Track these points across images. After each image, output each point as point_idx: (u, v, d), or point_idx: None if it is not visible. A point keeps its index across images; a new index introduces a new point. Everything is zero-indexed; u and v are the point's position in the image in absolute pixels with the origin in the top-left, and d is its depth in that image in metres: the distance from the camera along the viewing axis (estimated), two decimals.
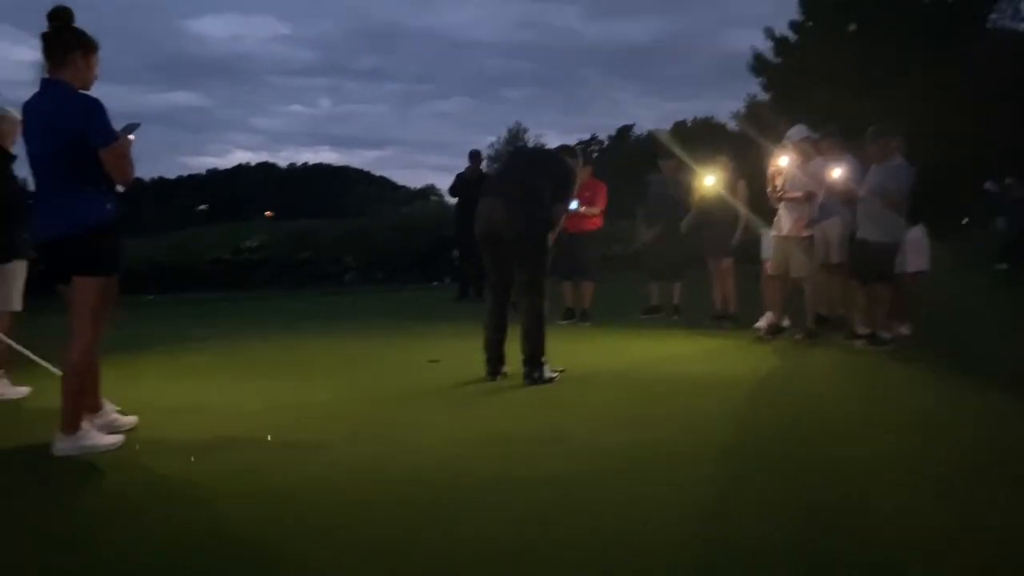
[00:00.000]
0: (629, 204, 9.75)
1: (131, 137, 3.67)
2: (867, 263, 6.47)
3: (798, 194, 6.95)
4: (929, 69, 23.52)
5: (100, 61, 3.71)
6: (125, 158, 3.57)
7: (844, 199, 6.95)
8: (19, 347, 4.87)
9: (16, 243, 4.81)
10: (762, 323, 7.69)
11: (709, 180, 8.37)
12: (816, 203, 7.01)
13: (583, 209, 8.43)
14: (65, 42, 3.59)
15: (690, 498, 2.96)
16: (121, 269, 3.76)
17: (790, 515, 2.78)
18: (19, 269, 4.95)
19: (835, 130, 7.44)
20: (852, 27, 28.15)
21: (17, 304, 4.93)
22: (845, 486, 3.09)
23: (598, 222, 8.74)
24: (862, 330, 6.64)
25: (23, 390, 4.94)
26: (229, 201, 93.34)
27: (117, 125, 3.60)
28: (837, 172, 6.74)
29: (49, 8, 3.59)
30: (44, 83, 3.60)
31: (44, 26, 3.59)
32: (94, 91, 3.69)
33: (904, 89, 22.41)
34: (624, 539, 2.58)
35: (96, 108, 3.53)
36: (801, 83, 26.45)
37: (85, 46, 3.63)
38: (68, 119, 3.52)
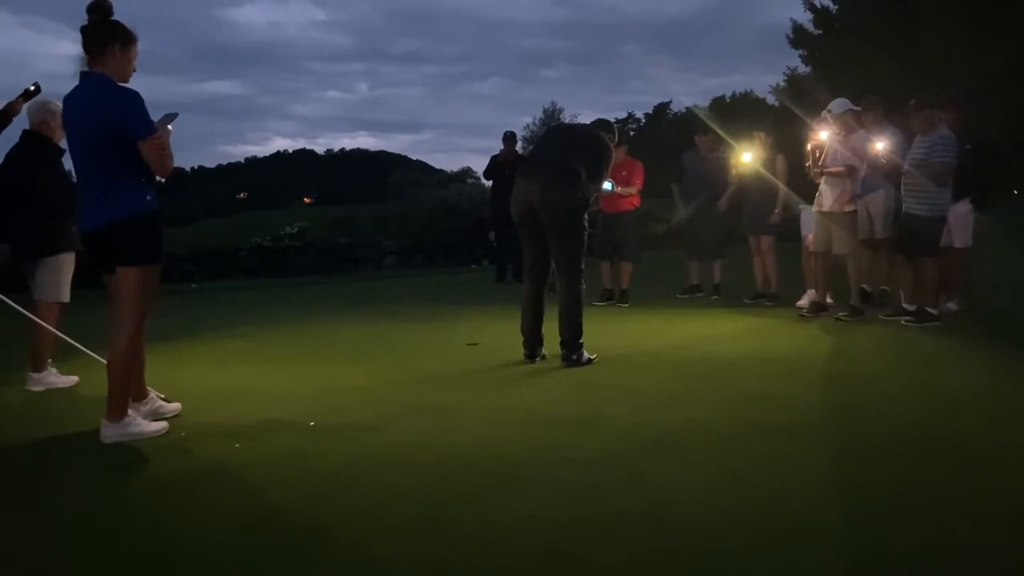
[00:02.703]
0: (666, 183, 9.62)
1: (169, 128, 3.69)
2: (912, 238, 6.32)
3: (840, 168, 6.81)
4: (980, 39, 22.82)
5: (139, 53, 3.74)
6: (164, 149, 3.59)
7: (887, 173, 6.80)
8: (67, 337, 4.97)
9: (65, 235, 4.89)
10: (804, 301, 7.59)
11: (746, 157, 8.25)
12: (859, 178, 6.86)
13: (619, 189, 8.36)
14: (103, 35, 3.62)
15: (738, 479, 2.93)
16: (162, 259, 3.80)
17: (841, 498, 2.74)
18: (68, 261, 5.04)
19: (878, 102, 7.26)
20: None
21: (65, 296, 5.04)
22: (897, 468, 3.03)
23: (635, 201, 8.67)
24: (909, 306, 6.50)
25: (72, 379, 5.05)
26: (268, 188, 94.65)
27: (156, 115, 3.63)
28: (880, 145, 6.59)
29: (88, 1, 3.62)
30: (83, 76, 3.65)
31: (84, 20, 3.63)
32: (134, 82, 3.73)
33: (951, 60, 21.82)
34: (673, 520, 2.57)
35: (134, 100, 3.56)
36: (842, 55, 25.89)
37: (123, 39, 3.65)
38: (106, 111, 3.55)
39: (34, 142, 4.97)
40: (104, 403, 3.70)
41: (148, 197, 3.67)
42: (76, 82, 3.68)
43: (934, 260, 6.30)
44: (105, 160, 3.59)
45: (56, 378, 5.03)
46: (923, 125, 6.32)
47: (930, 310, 6.32)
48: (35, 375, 4.98)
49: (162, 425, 3.83)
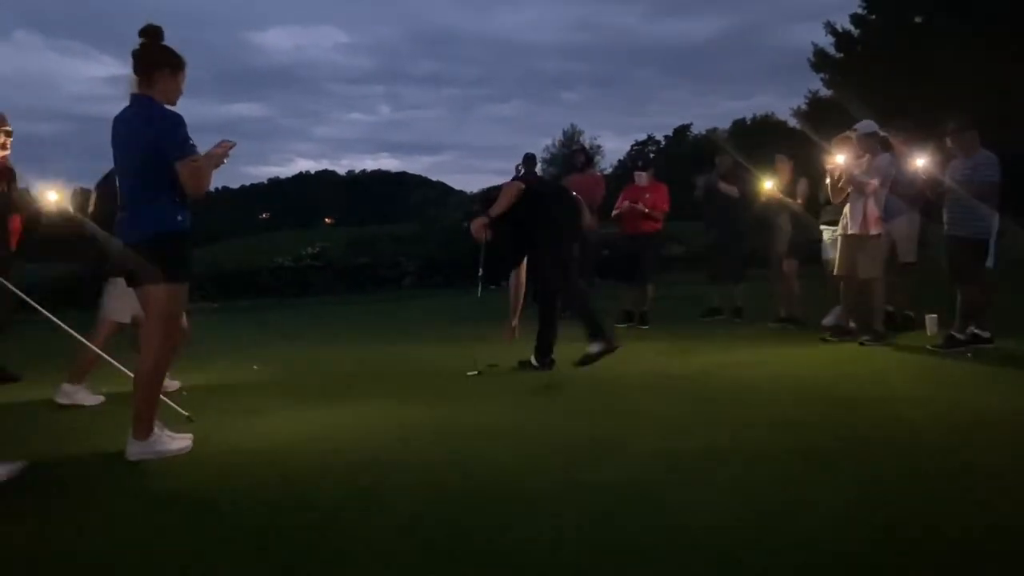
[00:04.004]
0: (684, 205, 9.65)
1: (220, 152, 3.79)
2: (958, 261, 6.22)
3: (869, 181, 6.66)
4: (1002, 61, 22.69)
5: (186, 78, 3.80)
6: (200, 171, 3.64)
7: (912, 198, 6.76)
8: (104, 355, 4.99)
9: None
10: (829, 319, 7.54)
11: (768, 184, 8.22)
12: (881, 200, 6.80)
13: (646, 210, 8.39)
14: (153, 59, 3.71)
15: (755, 504, 2.89)
16: (189, 279, 3.82)
17: (863, 528, 2.69)
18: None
19: (908, 125, 7.27)
20: (917, 19, 27.36)
21: (125, 317, 5.07)
22: (921, 499, 2.97)
23: (657, 225, 8.66)
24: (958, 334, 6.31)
25: (98, 398, 5.10)
26: (291, 209, 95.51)
27: (198, 139, 3.70)
28: (920, 162, 6.55)
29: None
30: (133, 98, 3.73)
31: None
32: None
33: (971, 82, 21.68)
34: (691, 543, 2.54)
35: (174, 122, 3.64)
36: (863, 79, 25.82)
37: (172, 64, 3.74)
38: (147, 132, 3.64)
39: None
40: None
41: (179, 217, 3.70)
42: (123, 103, 3.76)
43: (972, 285, 6.21)
44: (144, 178, 3.67)
45: (85, 396, 5.09)
46: (965, 146, 6.27)
47: (957, 335, 6.23)
48: (67, 386, 5.04)
49: (186, 443, 3.85)
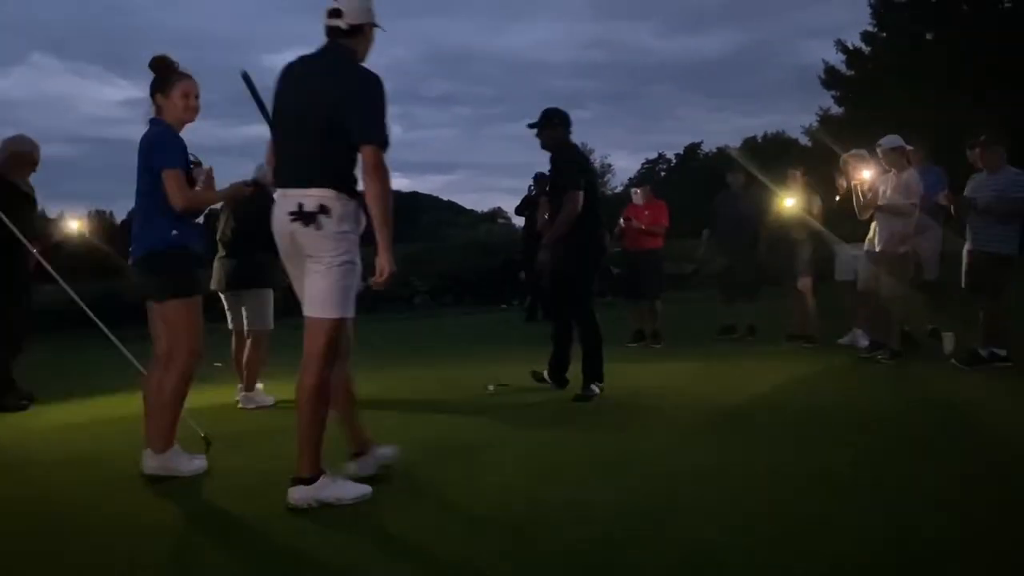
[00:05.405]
0: (697, 222, 9.61)
1: (197, 171, 3.98)
2: (985, 276, 6.12)
3: (904, 203, 6.49)
4: (1016, 76, 22.60)
5: (190, 96, 3.81)
6: (178, 183, 3.65)
7: (936, 211, 6.71)
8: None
9: (269, 270, 5.38)
10: (846, 339, 7.49)
11: (789, 202, 8.11)
12: (914, 219, 6.67)
13: (643, 227, 8.37)
14: (151, 88, 3.83)
15: (764, 527, 2.82)
16: (195, 293, 3.79)
17: (876, 545, 2.61)
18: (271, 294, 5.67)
19: (923, 142, 7.24)
20: (929, 36, 27.29)
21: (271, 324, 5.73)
22: (933, 516, 2.89)
23: (659, 242, 8.61)
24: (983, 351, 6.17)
25: (270, 399, 5.67)
26: None
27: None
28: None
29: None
30: (149, 122, 3.84)
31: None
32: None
33: (988, 97, 21.59)
34: (703, 562, 2.47)
35: (164, 137, 3.74)
36: (875, 96, 25.75)
37: (160, 88, 3.80)
38: (146, 150, 3.76)
39: None
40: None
41: (174, 231, 3.71)
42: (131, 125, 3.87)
43: (995, 302, 6.12)
44: (147, 197, 3.76)
45: (263, 397, 5.65)
46: (993, 162, 6.22)
47: (980, 351, 6.13)
48: (247, 394, 5.61)
49: (200, 464, 3.81)
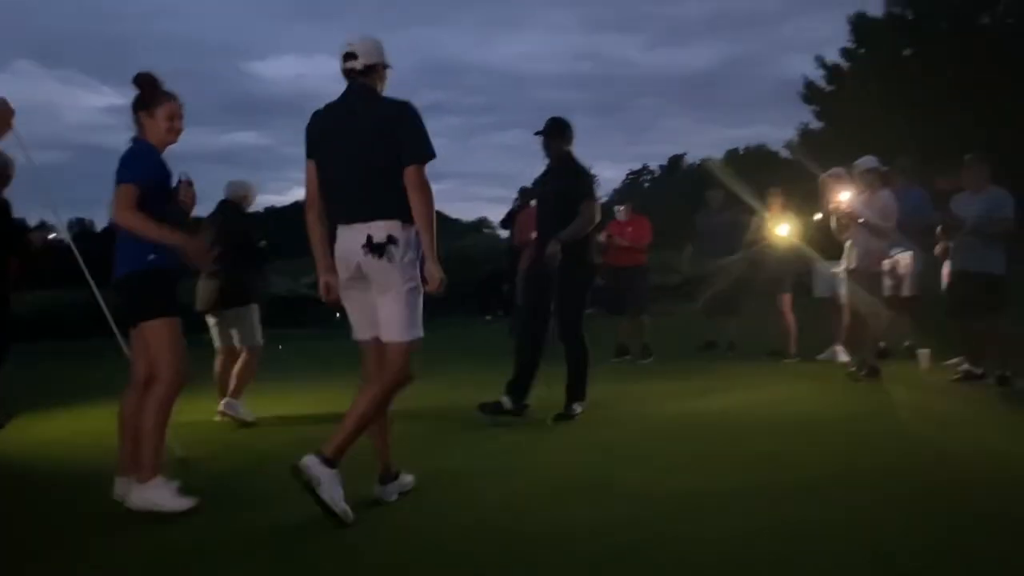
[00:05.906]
0: (681, 234, 9.70)
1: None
2: (970, 296, 6.15)
3: (876, 223, 6.55)
4: (993, 93, 22.89)
5: (175, 119, 3.76)
6: (126, 198, 3.53)
7: (915, 235, 6.82)
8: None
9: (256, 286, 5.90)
10: (825, 355, 7.63)
11: (782, 230, 8.14)
12: (888, 238, 6.77)
13: (626, 243, 8.43)
14: (136, 104, 3.77)
15: (752, 548, 2.87)
16: (173, 313, 3.69)
17: (860, 565, 2.67)
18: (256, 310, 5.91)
19: (907, 163, 7.35)
20: (907, 52, 27.59)
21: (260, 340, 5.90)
22: (916, 535, 2.96)
23: (642, 258, 8.68)
24: (976, 368, 6.28)
25: (252, 416, 5.70)
26: (287, 238, 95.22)
27: (177, 167, 3.76)
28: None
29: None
30: (131, 140, 3.77)
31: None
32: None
33: (965, 115, 21.85)
34: None
35: (134, 153, 3.68)
36: (853, 112, 25.98)
37: (144, 105, 3.74)
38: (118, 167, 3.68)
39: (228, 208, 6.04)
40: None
41: (151, 256, 3.62)
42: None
43: (980, 322, 6.17)
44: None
45: (245, 411, 5.67)
46: (977, 180, 6.21)
47: (973, 369, 6.25)
48: (231, 400, 5.64)
49: (186, 503, 3.54)
